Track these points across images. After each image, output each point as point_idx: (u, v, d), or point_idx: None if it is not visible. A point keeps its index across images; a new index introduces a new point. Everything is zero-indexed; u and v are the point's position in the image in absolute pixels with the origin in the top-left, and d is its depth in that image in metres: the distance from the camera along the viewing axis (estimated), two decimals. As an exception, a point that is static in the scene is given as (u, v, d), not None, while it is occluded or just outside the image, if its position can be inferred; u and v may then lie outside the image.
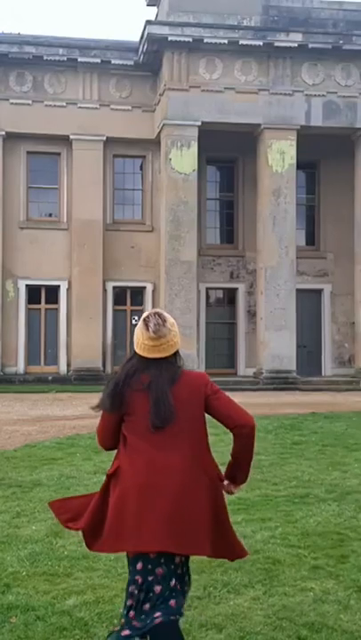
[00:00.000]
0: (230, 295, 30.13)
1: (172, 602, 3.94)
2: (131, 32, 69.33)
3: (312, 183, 30.67)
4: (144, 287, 29.20)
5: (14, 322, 28.48)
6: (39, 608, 5.29)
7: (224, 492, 4.25)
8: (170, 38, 26.35)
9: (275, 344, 26.95)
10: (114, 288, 29.09)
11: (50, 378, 27.82)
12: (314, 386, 26.95)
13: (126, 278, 29.15)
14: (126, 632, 3.98)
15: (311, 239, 30.61)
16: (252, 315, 29.10)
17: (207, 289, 29.66)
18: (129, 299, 29.28)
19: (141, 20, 35.68)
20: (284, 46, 26.91)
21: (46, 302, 29.06)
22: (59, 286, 28.81)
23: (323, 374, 29.55)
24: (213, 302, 30.30)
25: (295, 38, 26.89)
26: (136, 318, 28.21)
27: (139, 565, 3.97)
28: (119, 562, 6.08)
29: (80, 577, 6.00)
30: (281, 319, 27.01)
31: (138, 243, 29.20)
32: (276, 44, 26.81)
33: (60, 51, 27.97)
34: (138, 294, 29.34)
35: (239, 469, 4.23)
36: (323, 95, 27.50)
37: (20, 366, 28.50)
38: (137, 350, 4.10)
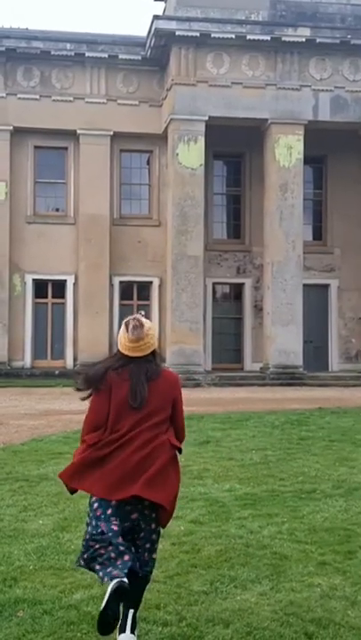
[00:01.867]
0: (237, 290, 30.11)
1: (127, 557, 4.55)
2: (138, 27, 69.27)
3: (319, 178, 30.61)
4: (151, 282, 29.20)
5: (21, 316, 28.52)
6: (46, 602, 5.30)
7: None
8: (177, 33, 26.32)
9: (281, 339, 26.93)
10: (120, 283, 29.10)
11: (56, 372, 27.85)
12: (321, 381, 26.90)
13: (133, 273, 29.15)
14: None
15: (318, 234, 30.56)
16: (258, 310, 29.08)
17: (214, 284, 29.65)
18: (135, 293, 29.28)
19: (149, 15, 35.64)
20: (291, 41, 26.86)
21: (53, 297, 29.09)
22: (65, 281, 28.84)
23: (329, 370, 29.52)
24: (220, 297, 30.29)
25: (303, 33, 26.83)
26: (143, 313, 28.10)
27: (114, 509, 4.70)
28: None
29: (87, 571, 5.97)
30: (288, 314, 26.98)
31: (144, 237, 29.19)
32: (284, 38, 26.76)
33: (68, 46, 27.97)
34: (144, 289, 29.34)
35: None
36: (330, 90, 27.45)
37: (27, 360, 28.53)
38: (120, 349, 4.88)
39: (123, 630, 4.60)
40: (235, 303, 30.15)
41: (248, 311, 29.60)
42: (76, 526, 7.23)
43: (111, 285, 28.78)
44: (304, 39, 26.87)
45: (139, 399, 4.72)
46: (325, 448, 12.08)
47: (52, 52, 27.92)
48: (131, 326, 4.83)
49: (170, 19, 26.76)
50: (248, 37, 26.63)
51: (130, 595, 4.50)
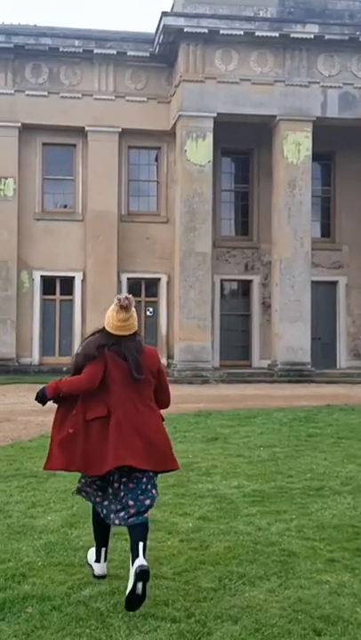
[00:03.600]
0: (245, 287, 30.08)
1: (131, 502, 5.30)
2: (147, 23, 69.18)
3: (327, 175, 30.55)
4: (159, 279, 29.19)
5: (29, 313, 28.56)
6: (55, 598, 5.31)
7: None
8: (186, 30, 26.29)
9: (289, 336, 26.91)
10: (128, 279, 29.09)
11: (64, 369, 27.67)
12: (329, 378, 26.88)
13: (141, 270, 29.15)
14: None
15: (326, 231, 30.50)
16: (266, 306, 29.06)
17: (222, 281, 29.63)
18: (143, 290, 29.25)
19: (157, 12, 35.61)
20: (300, 37, 26.80)
21: (61, 293, 29.12)
22: (73, 277, 28.86)
23: (337, 366, 29.48)
24: (228, 294, 30.26)
25: (311, 30, 26.77)
26: (151, 310, 28.23)
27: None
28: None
29: (95, 568, 6.01)
30: (296, 311, 26.96)
31: (153, 234, 29.19)
32: (293, 35, 26.71)
33: (76, 42, 27.95)
34: (152, 286, 29.33)
35: None
36: (339, 87, 27.38)
37: (35, 357, 28.58)
38: (107, 328, 5.48)
39: (136, 556, 5.09)
40: (243, 300, 30.13)
41: (256, 308, 29.58)
42: (84, 522, 7.24)
43: (119, 282, 28.77)
44: (313, 36, 26.81)
45: (141, 371, 5.32)
46: (334, 445, 12.08)
47: (61, 49, 27.91)
48: (123, 297, 5.41)
49: (178, 15, 26.73)
50: (256, 34, 26.58)
51: (134, 535, 5.20)
